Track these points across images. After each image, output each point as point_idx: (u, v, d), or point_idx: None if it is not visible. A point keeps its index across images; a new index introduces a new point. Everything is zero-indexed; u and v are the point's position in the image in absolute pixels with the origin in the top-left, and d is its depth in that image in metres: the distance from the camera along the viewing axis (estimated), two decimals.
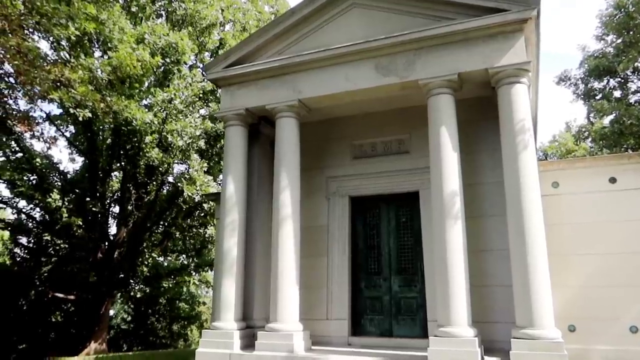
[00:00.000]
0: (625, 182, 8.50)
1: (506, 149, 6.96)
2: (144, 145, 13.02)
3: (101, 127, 16.69)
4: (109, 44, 12.64)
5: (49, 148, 14.62)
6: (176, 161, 13.06)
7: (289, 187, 8.11)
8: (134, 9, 15.43)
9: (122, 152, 16.36)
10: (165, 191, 16.57)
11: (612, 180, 8.58)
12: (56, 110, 18.49)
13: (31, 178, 17.65)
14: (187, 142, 12.64)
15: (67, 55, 12.06)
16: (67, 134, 18.11)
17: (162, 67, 13.19)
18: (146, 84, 13.38)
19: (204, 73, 8.85)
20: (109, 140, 17.38)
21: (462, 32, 7.30)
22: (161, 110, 12.36)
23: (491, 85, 7.53)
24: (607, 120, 17.22)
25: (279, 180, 8.17)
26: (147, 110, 12.78)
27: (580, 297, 8.36)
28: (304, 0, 8.54)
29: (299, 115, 8.53)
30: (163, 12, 15.91)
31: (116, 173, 19.63)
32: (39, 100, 13.22)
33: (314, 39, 8.47)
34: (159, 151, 12.49)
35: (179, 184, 13.38)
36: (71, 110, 12.40)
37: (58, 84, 10.12)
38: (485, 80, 7.47)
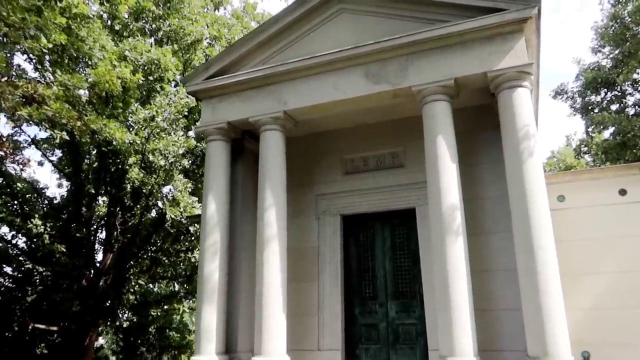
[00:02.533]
0: (637, 194, 7.91)
1: (509, 158, 6.36)
2: (127, 167, 12.36)
3: (87, 150, 16.12)
4: (88, 62, 12.11)
5: (22, 169, 13.93)
6: (159, 182, 12.39)
7: (275, 205, 7.46)
8: (117, 27, 14.99)
9: (107, 175, 15.73)
10: (151, 214, 15.84)
11: (622, 192, 7.99)
12: (42, 134, 18.01)
13: (13, 203, 16.98)
14: (170, 161, 12.00)
15: (42, 71, 11.51)
16: (54, 158, 17.58)
17: (145, 85, 12.63)
18: (135, 105, 12.79)
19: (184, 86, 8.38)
20: (95, 164, 16.80)
21: (457, 35, 6.78)
22: (142, 129, 11.75)
23: (490, 91, 6.99)
24: (607, 134, 16.75)
25: (264, 198, 7.52)
26: (128, 129, 12.17)
27: (593, 320, 7.67)
28: (288, 6, 8.05)
29: (284, 128, 7.94)
30: (147, 30, 15.47)
31: (104, 198, 19.00)
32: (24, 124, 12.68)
33: (300, 47, 7.94)
34: (139, 171, 11.82)
35: (161, 207, 12.69)
36: (47, 131, 11.81)
37: (31, 100, 9.54)
38: (483, 85, 6.93)
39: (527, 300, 5.82)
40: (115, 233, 17.16)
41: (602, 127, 15.27)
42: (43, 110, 8.87)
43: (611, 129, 16.37)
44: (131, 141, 11.75)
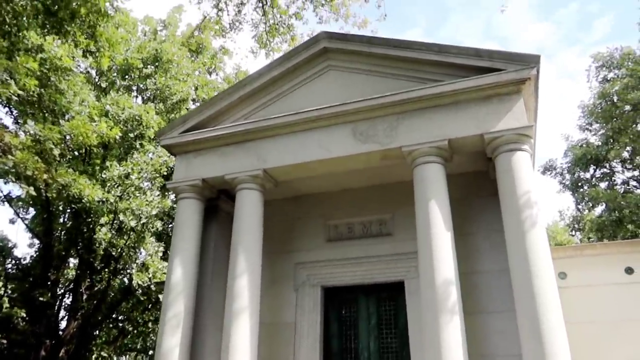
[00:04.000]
0: None
1: (510, 228, 5.71)
2: (98, 228, 11.49)
3: (59, 209, 15.26)
4: (65, 115, 11.61)
5: None
6: (129, 244, 11.49)
7: (247, 273, 6.64)
8: (103, 85, 14.70)
9: (79, 236, 14.77)
10: (119, 280, 14.71)
11: (629, 270, 7.33)
12: (18, 191, 17.22)
13: None
14: (142, 222, 11.17)
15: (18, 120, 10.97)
16: (29, 216, 16.69)
17: (124, 142, 12.09)
18: (111, 161, 12.15)
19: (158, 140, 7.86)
20: (69, 224, 15.89)
21: (451, 94, 6.36)
22: (115, 186, 11.03)
23: (487, 155, 6.49)
24: (598, 210, 16.37)
25: (235, 263, 6.71)
26: (102, 186, 11.45)
27: None
28: (273, 61, 7.69)
29: (263, 188, 7.29)
30: (134, 88, 15.19)
31: (75, 260, 17.89)
32: None
33: (284, 103, 7.48)
34: (107, 232, 10.96)
35: (128, 271, 11.70)
36: (14, 184, 11.06)
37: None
38: (479, 149, 6.42)
39: None
40: (81, 299, 15.93)
41: (593, 204, 14.87)
42: (3, 160, 8.16)
43: (602, 206, 15.99)
44: (102, 199, 11.01)
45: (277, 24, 8.38)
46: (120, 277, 13.77)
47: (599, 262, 7.48)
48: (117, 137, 10.99)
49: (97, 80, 14.88)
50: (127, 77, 14.59)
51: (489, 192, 7.18)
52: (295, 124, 7.09)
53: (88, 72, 14.46)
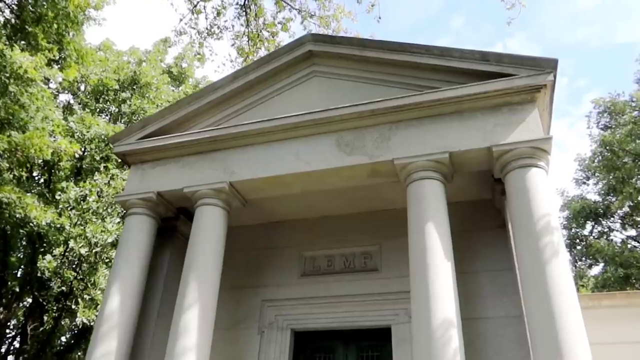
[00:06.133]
0: None
1: (525, 259, 4.60)
2: (40, 256, 10.11)
3: (17, 241, 13.79)
4: (25, 131, 10.51)
5: None
6: (79, 276, 10.08)
7: (199, 305, 5.37)
8: (76, 107, 13.72)
9: (35, 270, 13.23)
10: (71, 319, 13.07)
11: None
12: None
13: None
14: (95, 251, 9.83)
15: None
16: None
17: (86, 161, 10.96)
18: (67, 182, 10.94)
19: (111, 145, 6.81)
20: (24, 257, 14.36)
21: (454, 101, 5.42)
22: (68, 209, 9.76)
23: (493, 176, 5.49)
24: (599, 267, 15.32)
25: (185, 292, 5.45)
26: (56, 209, 10.18)
27: None
28: (250, 64, 6.78)
29: (228, 206, 6.15)
30: (108, 112, 14.21)
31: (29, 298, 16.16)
32: None
33: (260, 111, 6.50)
34: (52, 259, 9.58)
35: (70, 306, 10.21)
36: None
37: None
38: (484, 167, 5.42)
39: None
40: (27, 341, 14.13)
41: (597, 259, 13.82)
42: None
43: (602, 263, 14.97)
44: (57, 225, 9.71)
45: (260, 31, 7.54)
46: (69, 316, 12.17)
47: (620, 315, 6.33)
48: (77, 155, 9.84)
49: (69, 102, 13.95)
50: (100, 98, 13.66)
51: (494, 224, 6.15)
52: (270, 132, 6.07)
53: (57, 93, 13.53)
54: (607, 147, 13.00)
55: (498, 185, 5.67)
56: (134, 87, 13.46)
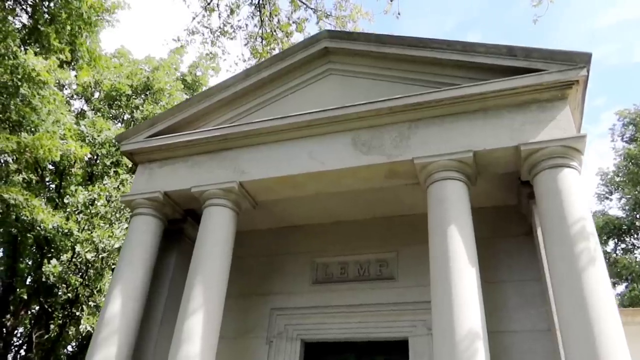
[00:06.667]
0: None
1: (558, 267, 4.21)
2: (45, 260, 9.88)
3: (27, 246, 13.64)
4: (35, 133, 10.39)
5: None
6: (85, 282, 9.83)
7: (204, 311, 5.05)
8: (89, 113, 13.64)
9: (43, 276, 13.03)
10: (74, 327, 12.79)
11: None
12: None
13: None
14: (102, 256, 9.57)
15: None
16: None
17: (99, 167, 10.79)
18: (81, 189, 10.75)
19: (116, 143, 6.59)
20: (33, 262, 14.19)
21: (478, 98, 5.09)
22: (76, 213, 9.55)
23: (520, 178, 5.14)
24: (620, 287, 14.67)
25: (190, 297, 5.14)
26: (62, 213, 9.98)
27: None
28: (263, 61, 6.55)
29: (238, 208, 5.86)
30: (121, 119, 14.11)
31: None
32: None
33: (273, 110, 6.23)
34: (57, 264, 9.33)
35: (76, 313, 9.94)
36: None
37: None
38: (510, 168, 5.07)
39: None
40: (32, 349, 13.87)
41: (625, 276, 13.23)
42: None
43: (626, 282, 14.34)
44: (60, 227, 9.49)
45: (274, 31, 7.32)
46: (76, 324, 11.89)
47: None
48: (86, 158, 9.66)
49: (81, 109, 13.88)
50: (114, 104, 13.56)
51: (519, 231, 5.78)
52: (283, 131, 5.79)
53: (71, 98, 13.47)
54: (632, 161, 12.52)
55: (525, 189, 5.32)
56: (147, 93, 13.34)
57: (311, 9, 7.58)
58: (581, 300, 3.90)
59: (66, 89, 14.01)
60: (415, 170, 5.13)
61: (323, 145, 5.58)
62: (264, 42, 7.67)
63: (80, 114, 13.56)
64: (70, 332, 12.50)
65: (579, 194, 4.45)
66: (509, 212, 5.88)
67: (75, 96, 14.27)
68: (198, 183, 5.87)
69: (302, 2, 7.47)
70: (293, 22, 7.58)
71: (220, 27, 7.36)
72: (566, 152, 4.61)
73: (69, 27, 9.50)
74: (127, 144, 6.48)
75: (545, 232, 4.47)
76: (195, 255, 5.46)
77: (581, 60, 4.83)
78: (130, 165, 11.39)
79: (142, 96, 13.35)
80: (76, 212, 9.67)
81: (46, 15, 9.31)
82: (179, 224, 6.49)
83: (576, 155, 4.64)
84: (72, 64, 10.18)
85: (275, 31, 7.54)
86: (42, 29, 8.62)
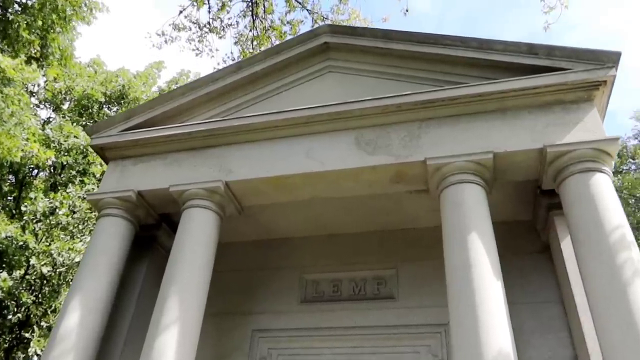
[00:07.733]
0: None
1: (597, 282, 3.67)
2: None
3: None
4: None
5: None
6: (36, 300, 8.78)
7: (179, 327, 4.28)
8: (58, 119, 12.76)
9: None
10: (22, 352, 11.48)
11: None
12: None
13: None
14: (59, 271, 8.58)
15: None
16: None
17: (64, 176, 9.89)
18: (41, 197, 9.81)
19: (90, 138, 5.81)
20: None
21: (497, 97, 4.64)
22: (34, 221, 8.61)
23: (540, 186, 4.68)
24: None
25: (163, 310, 4.37)
26: (20, 223, 9.00)
27: None
28: (257, 54, 6.00)
29: (222, 211, 5.17)
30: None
31: None
32: None
33: (266, 105, 5.65)
34: (7, 278, 8.28)
35: (25, 335, 8.85)
36: None
37: None
38: (532, 174, 4.61)
39: None
40: None
41: None
42: None
43: None
44: (14, 239, 8.50)
45: (267, 30, 6.83)
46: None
47: None
48: (49, 163, 8.80)
49: (48, 117, 13.01)
50: (85, 113, 12.71)
51: (532, 248, 5.29)
52: (278, 127, 5.20)
53: (38, 105, 12.62)
54: None
55: (544, 199, 4.84)
56: (122, 102, 12.58)
57: (307, 10, 7.15)
58: (629, 318, 3.35)
59: (34, 96, 13.16)
60: (426, 173, 4.60)
61: (323, 144, 5.01)
62: (254, 43, 7.16)
63: (47, 122, 12.69)
64: (16, 358, 11.20)
65: (615, 200, 3.98)
66: (521, 228, 5.38)
67: (43, 104, 13.41)
68: (177, 182, 5.18)
69: (298, 2, 7.03)
70: (287, 23, 7.12)
71: (209, 23, 6.84)
72: (597, 155, 4.16)
73: (40, 22, 8.79)
74: (98, 137, 5.75)
75: (577, 243, 3.96)
76: (171, 261, 4.72)
77: (609, 59, 4.46)
78: (98, 176, 10.52)
79: (117, 105, 12.59)
80: (34, 221, 8.73)
81: (16, 6, 8.61)
82: (152, 230, 5.74)
83: (607, 159, 4.20)
84: (41, 60, 9.42)
85: (267, 30, 7.05)
86: (11, 17, 7.89)
